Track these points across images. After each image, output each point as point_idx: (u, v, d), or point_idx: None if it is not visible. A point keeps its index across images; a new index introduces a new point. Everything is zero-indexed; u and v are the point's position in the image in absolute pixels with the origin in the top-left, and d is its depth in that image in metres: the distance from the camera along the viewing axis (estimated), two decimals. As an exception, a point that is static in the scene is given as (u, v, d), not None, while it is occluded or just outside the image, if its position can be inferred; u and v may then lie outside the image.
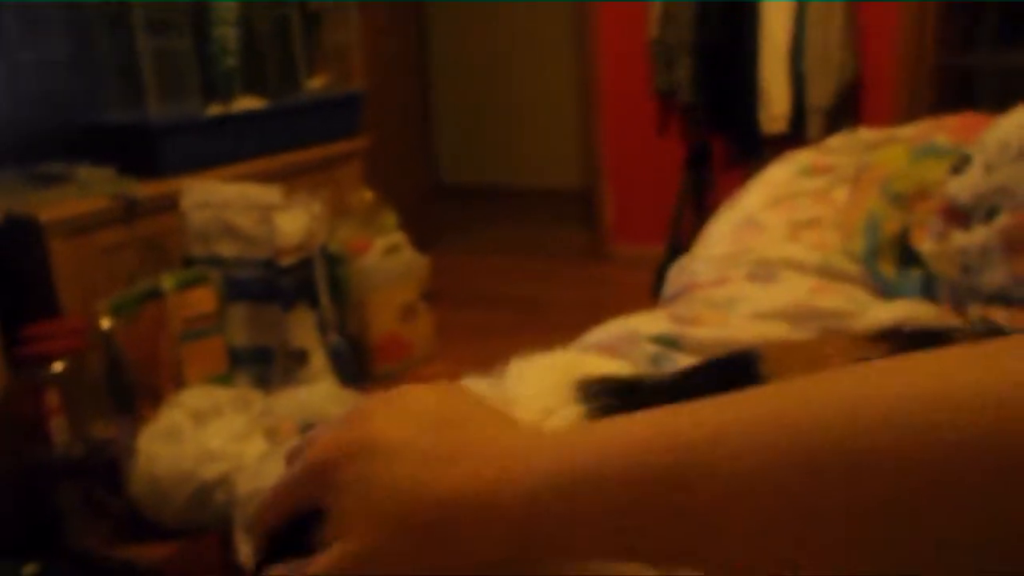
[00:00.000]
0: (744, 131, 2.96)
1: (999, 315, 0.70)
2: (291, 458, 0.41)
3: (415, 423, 0.38)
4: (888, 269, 0.83)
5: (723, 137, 3.11)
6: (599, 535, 0.33)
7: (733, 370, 0.50)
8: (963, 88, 3.46)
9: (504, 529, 0.35)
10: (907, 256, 0.83)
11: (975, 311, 0.73)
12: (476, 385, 0.47)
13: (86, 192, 1.73)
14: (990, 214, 0.74)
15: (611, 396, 0.47)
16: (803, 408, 0.30)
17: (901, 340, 0.49)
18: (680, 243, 2.71)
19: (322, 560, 0.37)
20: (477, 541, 0.35)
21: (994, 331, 0.69)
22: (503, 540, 0.35)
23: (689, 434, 0.31)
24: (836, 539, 0.29)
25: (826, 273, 0.85)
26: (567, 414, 0.44)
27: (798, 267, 0.86)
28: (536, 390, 0.46)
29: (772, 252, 0.90)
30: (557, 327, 1.03)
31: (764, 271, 0.87)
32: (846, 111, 2.85)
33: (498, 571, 0.36)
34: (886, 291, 0.82)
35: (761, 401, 0.32)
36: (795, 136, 2.80)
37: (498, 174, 5.17)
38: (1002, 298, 0.72)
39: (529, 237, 4.10)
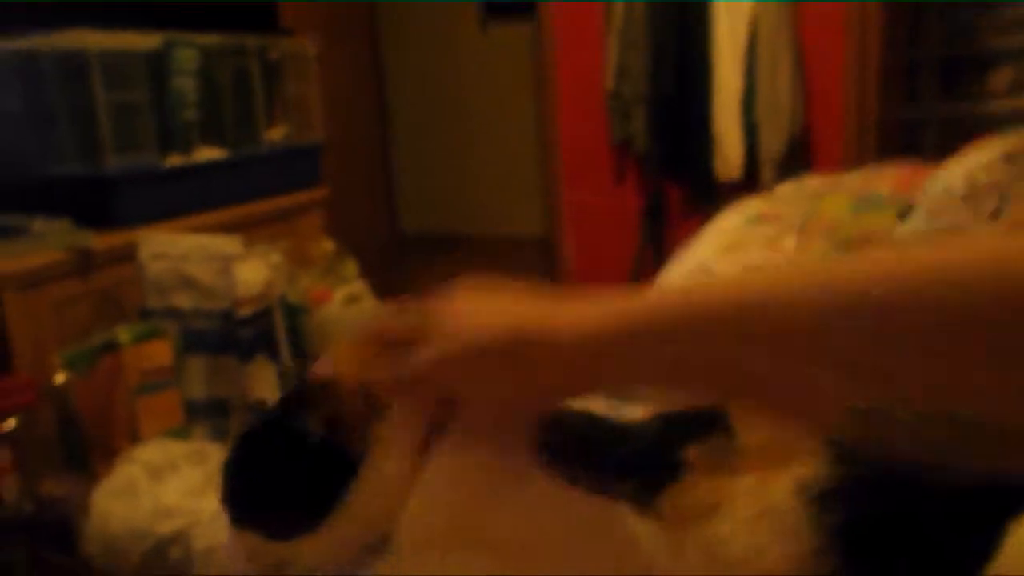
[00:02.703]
0: (699, 179, 3.03)
1: None
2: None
3: (502, 299, 0.51)
4: (834, 314, 0.86)
5: (679, 185, 3.18)
6: (657, 368, 0.42)
7: (706, 419, 0.55)
8: (908, 137, 3.60)
9: (573, 358, 0.43)
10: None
11: None
12: None
13: (40, 245, 1.71)
14: None
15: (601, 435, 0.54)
16: (831, 272, 0.37)
17: None
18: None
19: (425, 353, 0.47)
20: (550, 365, 0.44)
21: None
22: (571, 367, 0.44)
23: (739, 293, 0.39)
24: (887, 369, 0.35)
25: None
26: None
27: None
28: None
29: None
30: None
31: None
32: (797, 159, 2.94)
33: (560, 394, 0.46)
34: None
35: (800, 271, 0.40)
36: (749, 183, 2.88)
37: (459, 222, 5.21)
38: None
39: (491, 285, 4.11)
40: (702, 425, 0.54)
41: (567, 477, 0.50)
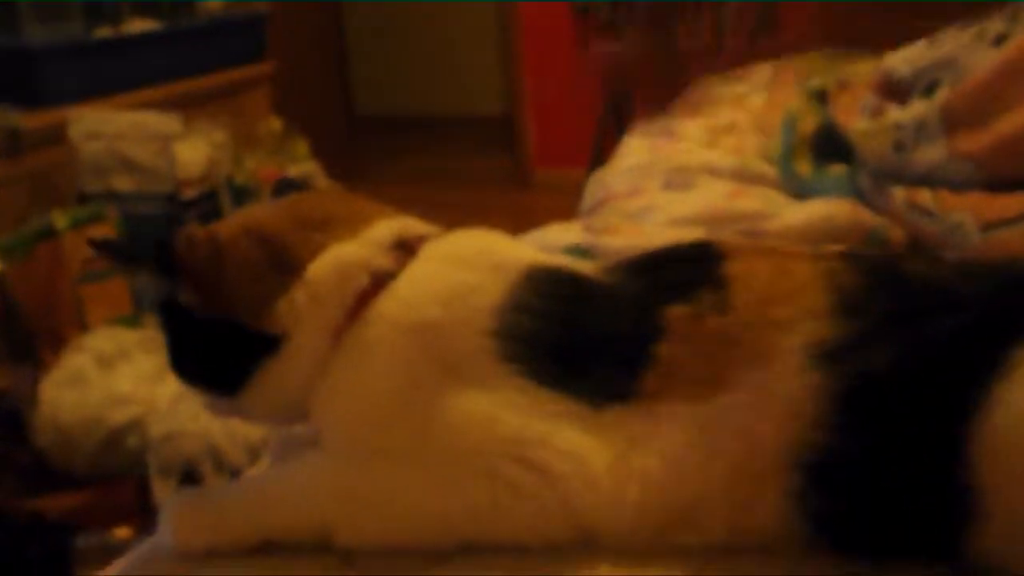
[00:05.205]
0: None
1: (924, 197, 0.69)
2: None
3: None
4: (804, 167, 0.82)
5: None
6: None
7: (690, 268, 0.49)
8: None
9: None
10: (824, 153, 0.82)
11: (899, 194, 0.71)
12: None
13: (-40, 125, 1.59)
14: (930, 88, 0.73)
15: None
16: None
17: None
18: (602, 167, 2.69)
19: None
20: None
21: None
22: None
23: None
24: None
25: (743, 177, 0.84)
26: None
27: (715, 172, 0.85)
28: None
29: (690, 159, 0.88)
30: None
31: (680, 179, 0.85)
32: (766, 26, 2.84)
33: None
34: (801, 191, 0.81)
35: None
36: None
37: (417, 103, 5.04)
38: (928, 180, 0.71)
39: (450, 166, 4.03)
40: (689, 276, 0.48)
41: (531, 373, 0.47)
